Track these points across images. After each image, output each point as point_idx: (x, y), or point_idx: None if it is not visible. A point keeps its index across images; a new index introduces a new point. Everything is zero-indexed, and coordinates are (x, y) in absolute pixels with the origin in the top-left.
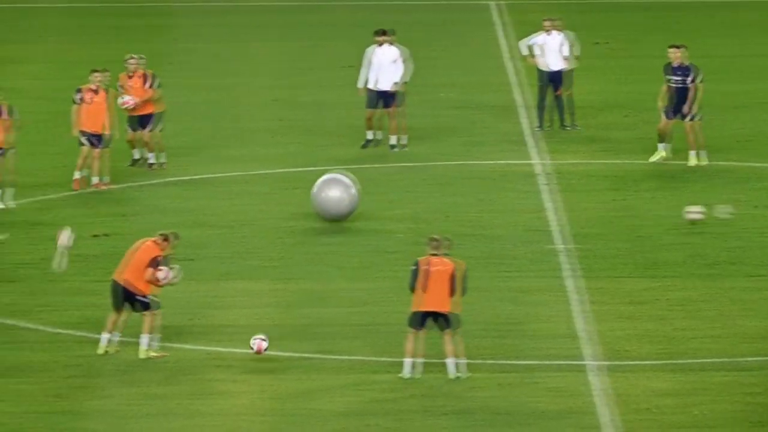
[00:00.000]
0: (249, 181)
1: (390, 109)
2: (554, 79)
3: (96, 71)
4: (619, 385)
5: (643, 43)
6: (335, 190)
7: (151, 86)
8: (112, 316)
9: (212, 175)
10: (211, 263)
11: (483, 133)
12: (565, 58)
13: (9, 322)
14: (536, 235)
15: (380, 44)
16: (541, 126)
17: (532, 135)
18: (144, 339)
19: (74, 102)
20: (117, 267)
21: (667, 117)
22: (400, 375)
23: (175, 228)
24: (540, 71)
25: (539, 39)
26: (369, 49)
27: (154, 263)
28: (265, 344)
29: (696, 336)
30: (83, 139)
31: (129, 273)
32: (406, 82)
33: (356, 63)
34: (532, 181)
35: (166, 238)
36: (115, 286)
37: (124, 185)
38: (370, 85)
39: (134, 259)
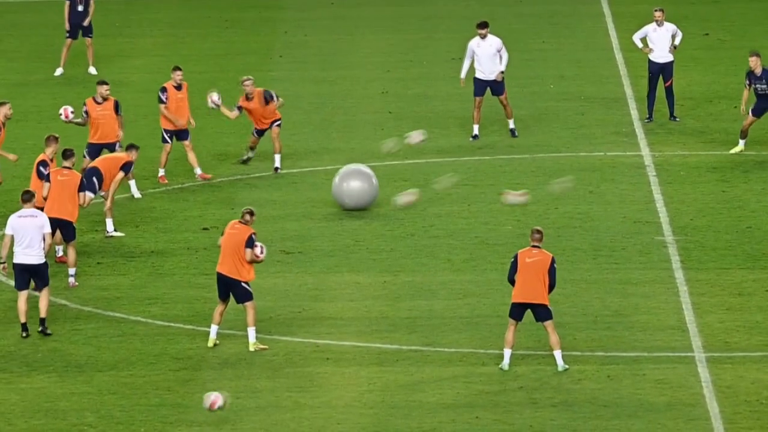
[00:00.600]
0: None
1: (501, 97)
2: (664, 70)
3: (178, 69)
4: (727, 376)
5: (751, 34)
6: (358, 181)
7: (269, 102)
8: (218, 307)
9: (321, 168)
10: (319, 255)
11: (592, 125)
12: (673, 48)
13: (119, 315)
14: (645, 226)
15: (483, 37)
16: (650, 117)
17: (642, 126)
18: (251, 331)
19: (160, 101)
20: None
21: (755, 115)
22: (499, 366)
23: (283, 221)
24: (650, 62)
25: (649, 29)
26: (472, 42)
27: (251, 242)
28: (220, 401)
29: None
30: (167, 136)
31: (228, 261)
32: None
33: (462, 55)
34: (640, 173)
35: (252, 213)
36: (219, 277)
37: (232, 178)
38: (477, 75)
39: (229, 247)
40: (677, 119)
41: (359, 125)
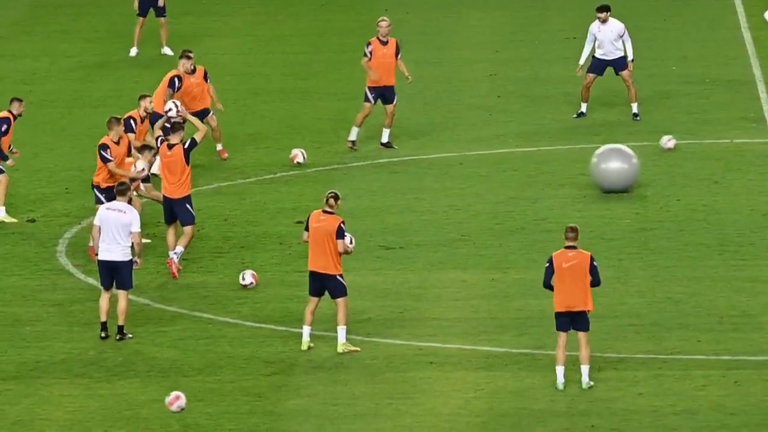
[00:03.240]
0: (464, 162)
1: (624, 73)
2: None
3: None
4: None
5: None
6: (617, 161)
7: (399, 56)
8: (309, 305)
9: (424, 157)
10: (422, 251)
11: (717, 110)
12: None
13: (206, 315)
14: None
15: (603, 21)
16: None
17: None
18: (342, 331)
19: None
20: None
21: None
22: (555, 386)
23: (383, 213)
24: None
25: None
26: (593, 26)
27: (341, 232)
28: (177, 404)
29: None
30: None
31: (320, 256)
32: (632, 60)
33: (578, 34)
34: None
35: (336, 197)
36: (312, 274)
37: (330, 167)
38: (597, 55)
39: (318, 240)
40: None
41: (466, 110)
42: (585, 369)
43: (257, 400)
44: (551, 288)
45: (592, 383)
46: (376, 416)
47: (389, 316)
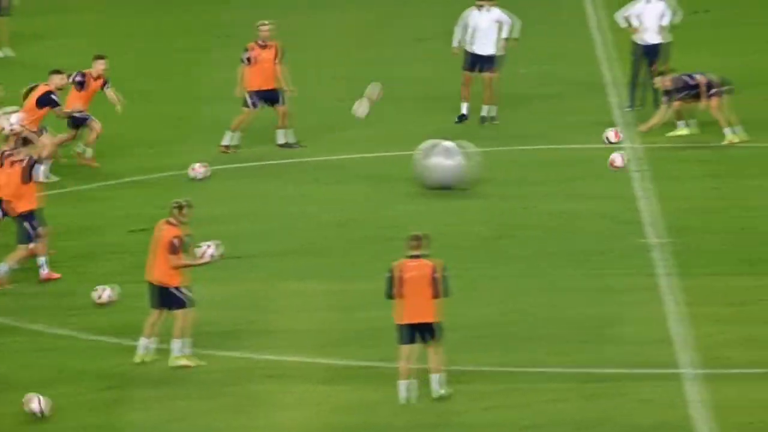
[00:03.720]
0: (309, 168)
1: (487, 75)
2: (650, 53)
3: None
4: (719, 396)
5: (750, 9)
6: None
7: (280, 61)
8: (150, 317)
9: (268, 162)
10: (264, 260)
11: (567, 113)
12: (664, 29)
13: (36, 327)
14: (626, 227)
15: (479, 7)
16: (632, 105)
17: (622, 115)
18: (176, 344)
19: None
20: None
21: None
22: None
23: (226, 222)
24: (634, 44)
25: (638, 7)
26: (466, 11)
27: (173, 247)
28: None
29: None
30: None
31: (155, 266)
32: (516, 39)
33: (429, 36)
34: (623, 168)
35: (180, 207)
36: (149, 285)
37: (172, 173)
38: (468, 48)
39: (156, 249)
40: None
41: (312, 114)
42: (435, 378)
43: (91, 414)
44: (393, 298)
45: (443, 392)
46: (214, 431)
47: (229, 327)
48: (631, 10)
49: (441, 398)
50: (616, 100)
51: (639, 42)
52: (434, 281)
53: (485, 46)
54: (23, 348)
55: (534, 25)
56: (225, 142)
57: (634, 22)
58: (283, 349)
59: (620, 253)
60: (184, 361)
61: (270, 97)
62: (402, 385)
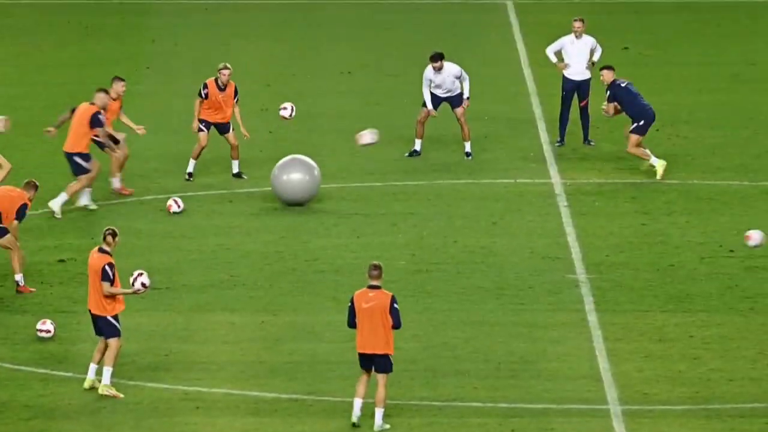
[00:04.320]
0: (234, 200)
1: (458, 110)
2: (580, 88)
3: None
4: None
5: (676, 48)
6: (298, 172)
7: (236, 100)
8: (99, 344)
9: (193, 193)
10: (189, 292)
11: (496, 148)
12: (591, 65)
13: None
14: (554, 263)
15: (438, 69)
16: (562, 141)
17: (552, 150)
18: (107, 372)
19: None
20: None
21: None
22: (351, 420)
23: (150, 252)
24: (564, 80)
25: (566, 42)
26: (427, 71)
27: (106, 274)
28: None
29: (733, 378)
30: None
31: (91, 294)
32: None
33: (352, 69)
34: (550, 202)
35: (114, 234)
36: (90, 313)
37: (103, 203)
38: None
39: (90, 278)
40: (592, 143)
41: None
42: (379, 412)
43: None
44: (353, 327)
45: (386, 426)
46: None
47: (154, 359)
48: (559, 45)
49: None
50: (544, 135)
51: (569, 77)
52: (393, 312)
53: (451, 93)
54: None
55: (463, 60)
56: (189, 169)
57: (565, 58)
58: (210, 381)
59: (546, 288)
60: (112, 391)
61: (219, 127)
62: (356, 403)
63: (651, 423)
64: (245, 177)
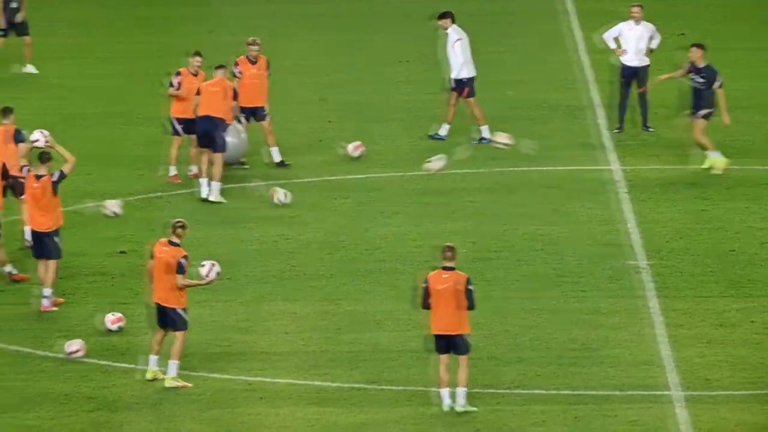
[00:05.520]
0: (294, 190)
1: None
2: (637, 74)
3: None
4: (707, 417)
5: (734, 33)
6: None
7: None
8: (156, 335)
9: (252, 184)
10: (250, 282)
11: (553, 136)
12: (649, 51)
13: (24, 349)
14: (613, 250)
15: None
16: (621, 128)
17: (610, 137)
18: (172, 365)
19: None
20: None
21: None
22: (442, 407)
23: (210, 244)
24: (622, 66)
25: (623, 28)
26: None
27: (181, 267)
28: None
29: None
30: (178, 127)
31: (158, 286)
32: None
33: (409, 58)
34: (608, 189)
35: (183, 226)
36: (156, 306)
37: (152, 195)
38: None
39: (159, 270)
40: (651, 129)
41: (294, 136)
42: (461, 392)
43: None
44: (426, 308)
45: (471, 408)
46: None
47: (216, 349)
48: (615, 31)
49: (464, 413)
50: (602, 122)
51: (627, 64)
52: (465, 293)
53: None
54: (7, 371)
55: (520, 48)
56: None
57: (622, 44)
58: (272, 371)
59: (607, 275)
60: (179, 382)
61: (255, 113)
62: (443, 393)
63: (713, 408)
64: (287, 164)
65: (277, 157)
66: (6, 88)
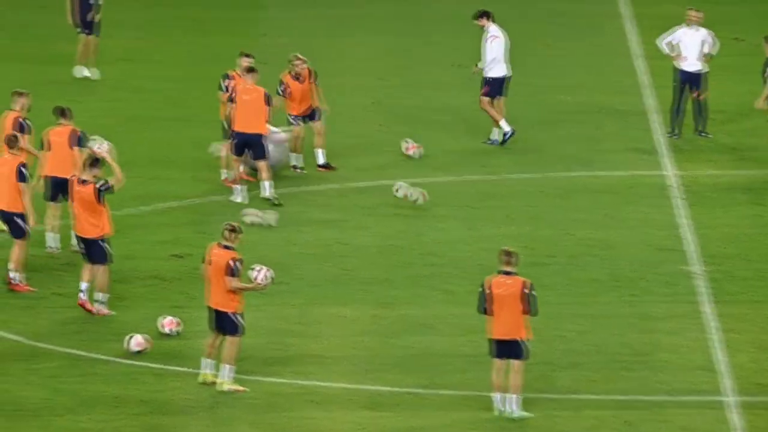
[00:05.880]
0: (348, 194)
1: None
2: (693, 80)
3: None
4: (761, 423)
5: None
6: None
7: (316, 82)
8: (209, 339)
9: (306, 188)
10: (304, 286)
11: (608, 140)
12: (706, 57)
13: (78, 352)
14: (668, 254)
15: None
16: (676, 133)
17: (665, 142)
18: (225, 369)
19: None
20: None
21: None
22: (494, 412)
23: (264, 247)
24: (677, 71)
25: (679, 34)
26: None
27: (231, 270)
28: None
29: None
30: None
31: (212, 290)
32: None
33: (465, 61)
34: (664, 194)
35: (233, 229)
36: (208, 309)
37: (206, 198)
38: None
39: (213, 273)
40: (707, 135)
41: (347, 139)
42: (515, 399)
43: None
44: (485, 313)
45: (526, 414)
46: None
47: (270, 353)
48: (672, 36)
49: (516, 419)
50: (657, 127)
51: (683, 69)
52: (524, 298)
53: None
54: (61, 373)
55: (574, 53)
56: (295, 162)
57: (680, 49)
58: (326, 375)
59: (661, 280)
60: (233, 386)
61: (308, 114)
62: (495, 397)
63: (766, 414)
64: (334, 167)
65: (321, 159)
66: (64, 89)
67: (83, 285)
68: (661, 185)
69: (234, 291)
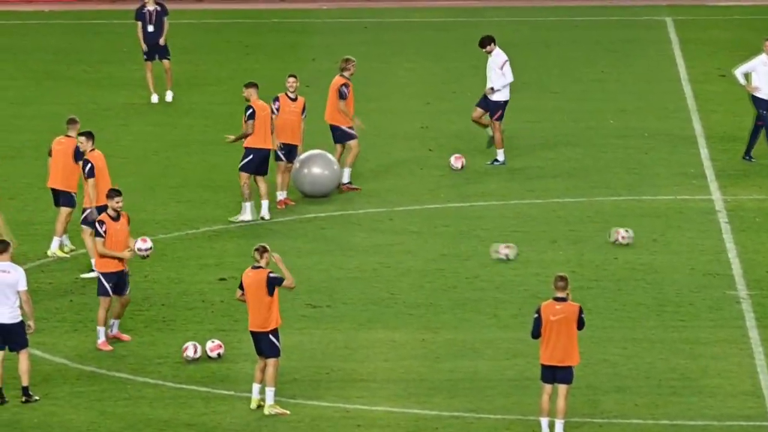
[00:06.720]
0: (393, 217)
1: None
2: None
3: (293, 75)
4: None
5: None
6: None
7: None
8: (258, 364)
9: (352, 212)
10: (350, 310)
11: (654, 165)
12: None
13: (125, 375)
14: (715, 279)
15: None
16: (749, 156)
17: (712, 167)
18: (270, 392)
19: (272, 111)
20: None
21: None
22: None
23: (310, 271)
24: (757, 100)
25: (757, 63)
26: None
27: (271, 283)
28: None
29: None
30: (280, 153)
31: (254, 313)
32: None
33: (515, 87)
34: (711, 219)
35: (264, 250)
36: (251, 333)
37: (254, 222)
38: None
39: (251, 296)
40: (753, 160)
41: (395, 164)
42: (560, 424)
43: None
44: (539, 338)
45: None
46: None
47: (315, 376)
48: (750, 67)
49: None
50: (704, 152)
51: (760, 97)
52: (580, 322)
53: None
54: (107, 396)
55: (622, 77)
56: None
57: (755, 80)
58: (371, 399)
59: (707, 304)
60: (276, 409)
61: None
62: (543, 422)
63: None
64: (357, 188)
65: (346, 178)
66: (111, 113)
67: (112, 321)
68: (707, 210)
69: (289, 287)
